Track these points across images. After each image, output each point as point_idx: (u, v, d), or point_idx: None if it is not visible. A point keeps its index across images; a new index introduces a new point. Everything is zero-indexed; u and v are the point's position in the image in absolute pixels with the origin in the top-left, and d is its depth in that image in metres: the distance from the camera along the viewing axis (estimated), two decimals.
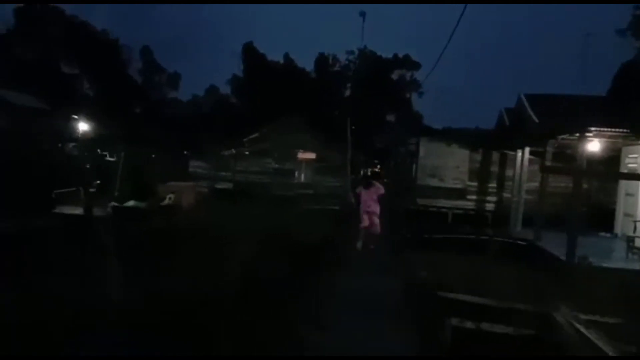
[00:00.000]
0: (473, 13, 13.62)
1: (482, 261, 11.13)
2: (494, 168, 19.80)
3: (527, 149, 16.31)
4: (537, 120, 12.48)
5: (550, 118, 12.16)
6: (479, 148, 19.78)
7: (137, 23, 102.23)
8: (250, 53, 55.77)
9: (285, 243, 10.34)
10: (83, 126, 38.26)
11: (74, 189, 16.79)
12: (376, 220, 13.23)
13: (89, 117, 43.13)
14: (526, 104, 13.26)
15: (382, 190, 13.48)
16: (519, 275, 9.86)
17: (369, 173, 48.74)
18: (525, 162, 16.49)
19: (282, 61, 56.85)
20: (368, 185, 13.45)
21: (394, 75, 61.82)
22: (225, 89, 62.41)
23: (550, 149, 13.89)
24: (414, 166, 20.71)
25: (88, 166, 30.64)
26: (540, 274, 10.14)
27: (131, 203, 13.74)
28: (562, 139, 13.29)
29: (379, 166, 52.00)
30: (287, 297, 7.25)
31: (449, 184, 20.00)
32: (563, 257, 10.96)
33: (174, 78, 66.76)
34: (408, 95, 59.08)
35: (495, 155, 19.72)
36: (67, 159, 28.19)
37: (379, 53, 56.78)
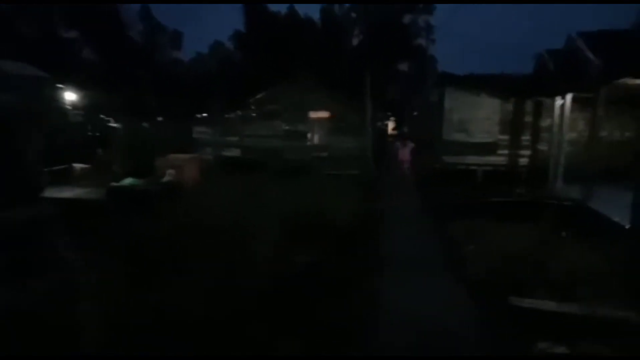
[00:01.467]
0: None
1: (530, 232, 9.56)
2: (528, 118, 17.82)
3: (568, 96, 14.37)
4: (594, 60, 10.44)
5: (610, 58, 10.12)
6: (510, 96, 17.72)
7: None
8: (250, 5, 52.81)
9: (314, 232, 8.82)
10: (85, 92, 36.91)
11: (66, 166, 15.42)
12: (408, 169, 18.75)
13: (91, 82, 41.72)
14: (580, 42, 11.15)
15: (413, 145, 19.08)
16: (580, 252, 8.24)
17: (393, 129, 46.92)
18: (567, 110, 14.60)
19: (284, 11, 53.87)
20: (404, 144, 19.09)
21: (405, 20, 58.71)
22: (229, 46, 59.94)
23: (603, 94, 11.90)
24: (438, 119, 18.79)
25: (90, 133, 29.52)
26: (606, 247, 8.46)
27: (128, 181, 12.23)
28: (622, 82, 11.27)
29: (393, 119, 49.89)
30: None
31: (478, 138, 18.12)
32: (626, 224, 9.20)
33: (177, 37, 64.39)
34: (422, 41, 55.84)
35: (530, 104, 17.70)
36: (70, 127, 26.91)
37: None
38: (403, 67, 58.13)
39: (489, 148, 18.18)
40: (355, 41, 56.23)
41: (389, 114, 48.24)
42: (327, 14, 55.95)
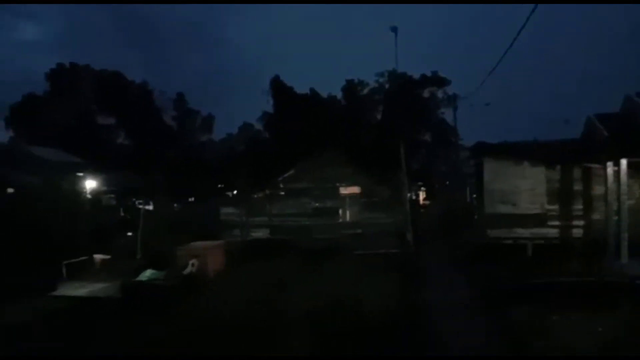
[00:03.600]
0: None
1: (605, 322, 8.02)
2: (578, 186, 16.47)
3: (624, 161, 13.15)
4: None
5: None
6: (555, 164, 16.52)
7: (169, 70, 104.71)
8: (277, 87, 54.48)
9: (349, 330, 7.56)
10: (118, 176, 37.42)
11: (87, 257, 14.72)
12: None
13: (125, 166, 42.61)
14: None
15: None
16: None
17: (425, 199, 45.68)
18: (623, 176, 13.30)
19: (309, 92, 55.25)
20: None
21: (425, 93, 59.43)
22: (258, 127, 61.37)
23: None
24: (477, 191, 17.61)
25: (122, 214, 29.37)
26: None
27: (147, 274, 11.35)
28: None
29: (424, 189, 48.74)
30: None
31: (524, 209, 16.74)
32: None
33: (208, 120, 66.57)
34: (442, 112, 55.95)
35: (578, 172, 16.43)
36: (99, 211, 26.80)
37: (407, 72, 54.52)
38: (429, 138, 58.01)
39: (538, 220, 16.73)
40: (377, 115, 56.76)
41: (420, 184, 47.22)
42: (349, 91, 57.12)
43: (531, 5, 10.58)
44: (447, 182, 42.07)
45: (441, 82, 56.81)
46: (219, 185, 43.74)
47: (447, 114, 58.31)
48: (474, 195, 21.97)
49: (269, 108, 54.98)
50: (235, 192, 37.19)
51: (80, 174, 33.50)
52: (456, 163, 33.04)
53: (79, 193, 29.86)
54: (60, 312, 9.70)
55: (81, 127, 55.41)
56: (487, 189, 16.93)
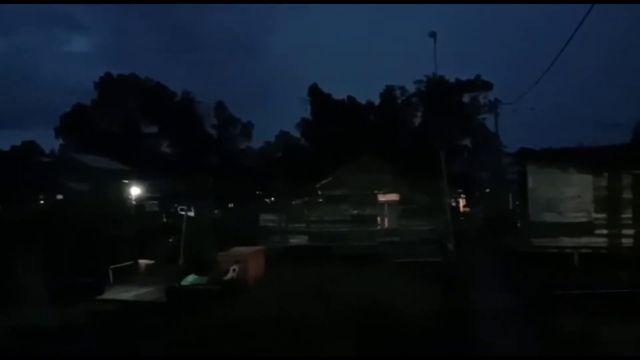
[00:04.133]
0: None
1: None
2: (627, 194, 15.78)
3: None
4: None
5: None
6: (603, 171, 15.90)
7: (210, 80, 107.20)
8: (315, 95, 54.88)
9: (389, 337, 7.50)
10: (161, 183, 38.57)
11: (132, 262, 15.21)
12: None
13: (167, 173, 43.86)
14: None
15: None
16: None
17: (465, 206, 44.81)
18: None
19: (346, 99, 55.36)
20: None
21: (466, 98, 58.49)
22: (296, 134, 61.91)
23: None
24: (521, 198, 17.15)
25: (165, 219, 30.19)
26: None
27: (190, 279, 11.63)
28: None
29: (464, 197, 47.75)
30: None
31: (570, 217, 16.16)
32: None
33: (247, 128, 67.70)
34: (484, 118, 54.80)
35: (627, 178, 15.75)
36: (143, 217, 27.68)
37: (447, 77, 53.78)
38: (469, 143, 57.00)
39: (584, 228, 16.11)
40: (417, 121, 56.22)
41: (460, 191, 46.32)
42: (387, 97, 56.87)
43: (586, 6, 10.23)
44: (488, 190, 41.09)
45: (483, 86, 55.85)
46: (257, 192, 44.28)
47: (488, 119, 57.22)
48: (517, 203, 21.40)
49: (307, 115, 55.38)
50: (272, 198, 37.61)
51: (126, 181, 34.74)
52: (498, 169, 32.27)
53: (124, 199, 31.00)
54: (109, 315, 10.08)
55: (126, 135, 57.50)
56: (531, 196, 16.46)
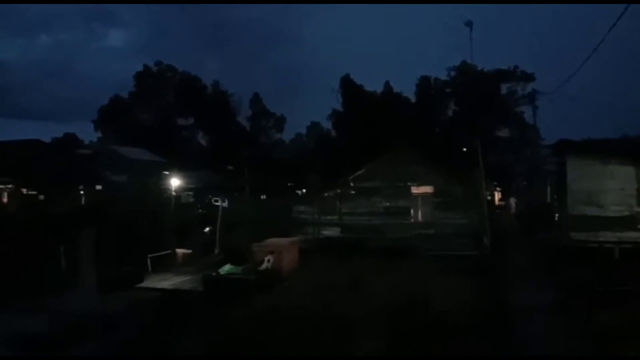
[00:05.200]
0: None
1: None
2: None
3: None
4: None
5: None
6: None
7: (244, 73, 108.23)
8: (348, 86, 54.55)
9: (425, 333, 7.48)
10: (195, 175, 39.27)
11: (169, 251, 15.62)
12: None
13: (203, 164, 44.61)
14: None
15: None
16: None
17: (500, 200, 43.95)
18: None
19: (380, 90, 54.81)
20: None
21: (503, 89, 57.02)
22: (326, 126, 61.88)
23: None
24: (560, 191, 16.70)
25: (200, 210, 30.79)
26: None
27: (226, 269, 11.87)
28: None
29: (499, 190, 46.80)
30: None
31: (611, 211, 15.67)
32: None
33: (280, 121, 68.09)
34: (521, 110, 53.20)
35: None
36: (179, 207, 28.27)
37: (481, 66, 52.48)
38: (505, 134, 55.62)
39: (626, 222, 15.61)
40: (450, 112, 55.26)
41: (495, 184, 45.37)
42: (422, 88, 56.04)
43: None
44: (525, 182, 40.17)
45: (522, 77, 54.28)
46: (289, 184, 44.55)
47: (525, 110, 55.67)
48: (555, 196, 20.86)
49: (338, 106, 55.12)
50: (304, 190, 37.72)
51: (164, 173, 35.53)
52: (536, 161, 31.48)
53: (161, 190, 31.72)
54: (149, 302, 10.47)
55: (162, 127, 58.70)
56: (570, 189, 16.02)
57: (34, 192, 33.53)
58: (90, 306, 8.96)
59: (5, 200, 32.92)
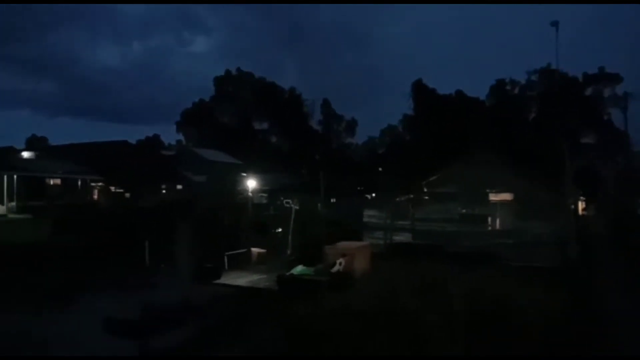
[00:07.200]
0: None
1: None
2: None
3: None
4: None
5: None
6: None
7: (317, 77, 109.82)
8: (420, 90, 53.77)
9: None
10: (269, 176, 40.29)
11: (245, 250, 16.08)
12: None
13: (275, 167, 45.72)
14: None
15: None
16: None
17: (584, 209, 41.33)
18: None
19: (453, 94, 53.43)
20: None
21: (588, 91, 53.54)
22: (400, 129, 61.30)
23: None
24: None
25: (272, 211, 31.57)
26: None
27: (299, 269, 12.02)
28: None
29: (584, 198, 43.88)
30: None
31: None
32: None
33: (351, 124, 68.54)
34: (614, 111, 49.72)
35: None
36: (254, 209, 29.17)
37: (564, 69, 49.63)
38: (591, 140, 52.11)
39: None
40: (532, 116, 52.67)
41: (580, 192, 42.54)
42: (498, 91, 53.98)
43: None
44: (613, 191, 37.45)
45: (610, 79, 50.81)
46: (359, 187, 44.46)
47: (613, 114, 51.95)
48: None
49: (410, 111, 54.50)
50: (373, 194, 37.43)
51: (240, 174, 36.85)
52: (626, 169, 29.21)
53: (238, 191, 32.88)
54: (228, 297, 10.96)
55: (240, 130, 60.93)
56: None
57: (121, 190, 36.15)
58: (175, 297, 9.54)
59: (96, 196, 35.84)
